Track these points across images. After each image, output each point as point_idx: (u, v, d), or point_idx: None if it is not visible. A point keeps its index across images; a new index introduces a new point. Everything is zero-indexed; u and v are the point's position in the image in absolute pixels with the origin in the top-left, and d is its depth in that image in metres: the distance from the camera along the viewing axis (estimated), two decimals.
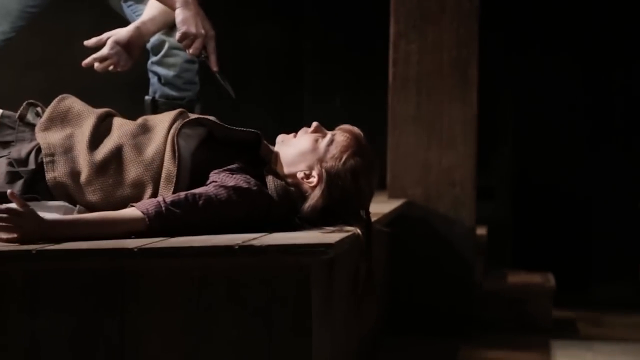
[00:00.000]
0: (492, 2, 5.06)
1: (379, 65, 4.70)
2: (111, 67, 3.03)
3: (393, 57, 4.33)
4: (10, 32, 3.22)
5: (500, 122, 5.79)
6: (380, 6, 4.60)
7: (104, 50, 3.01)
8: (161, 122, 2.64)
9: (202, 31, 2.94)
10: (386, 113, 4.36)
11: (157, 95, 3.23)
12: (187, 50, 2.98)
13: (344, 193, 2.55)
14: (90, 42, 3.03)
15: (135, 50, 3.05)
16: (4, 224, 2.21)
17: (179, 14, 2.93)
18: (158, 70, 3.21)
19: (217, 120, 2.67)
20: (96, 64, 3.03)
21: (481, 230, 4.96)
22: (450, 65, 4.27)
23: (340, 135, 2.60)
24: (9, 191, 2.28)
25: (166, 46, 3.18)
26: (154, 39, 3.17)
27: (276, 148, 2.65)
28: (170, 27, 3.16)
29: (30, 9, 3.21)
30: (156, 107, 3.22)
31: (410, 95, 4.31)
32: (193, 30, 2.93)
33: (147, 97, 3.25)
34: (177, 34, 2.95)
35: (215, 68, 2.99)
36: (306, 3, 5.81)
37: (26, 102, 2.71)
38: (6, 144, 2.65)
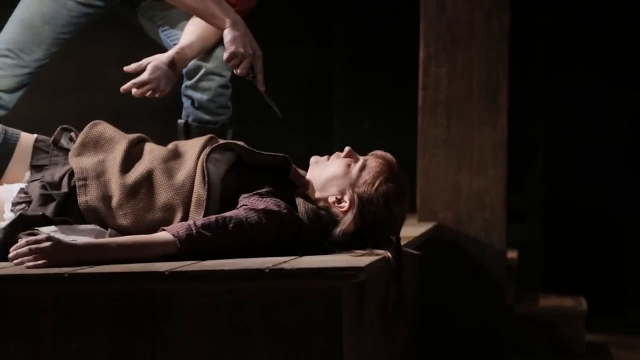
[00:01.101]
0: (523, 25, 5.06)
1: (408, 89, 4.71)
2: (149, 93, 3.06)
3: (423, 81, 4.33)
4: (44, 58, 3.25)
5: (531, 144, 5.77)
6: (410, 30, 4.61)
7: (144, 76, 3.04)
8: (191, 148, 2.66)
9: (250, 51, 2.97)
10: (416, 137, 4.36)
11: (190, 119, 3.26)
12: (234, 70, 3.01)
13: (376, 218, 2.55)
14: (130, 67, 3.06)
15: (174, 76, 3.08)
16: (28, 257, 2.24)
17: (228, 34, 2.96)
18: (192, 94, 3.24)
19: (246, 145, 2.68)
20: (134, 90, 3.05)
21: (512, 254, 4.94)
22: (480, 89, 4.27)
23: (373, 161, 2.60)
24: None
25: (202, 71, 3.21)
26: (189, 64, 3.20)
27: (309, 170, 2.66)
28: (206, 52, 3.19)
29: (63, 35, 3.25)
30: (189, 131, 3.24)
31: (440, 119, 4.32)
32: (241, 50, 2.95)
33: (180, 121, 3.28)
34: (225, 54, 2.97)
35: (262, 88, 3.01)
36: (337, 27, 5.84)
37: (60, 127, 2.74)
38: (40, 168, 2.69)
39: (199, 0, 2.96)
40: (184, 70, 3.20)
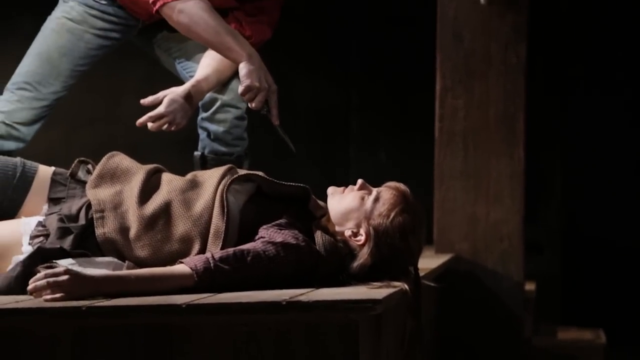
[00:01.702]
0: (540, 56, 5.06)
1: (425, 119, 4.71)
2: (165, 126, 3.07)
3: (439, 112, 4.33)
4: (61, 91, 3.27)
5: (548, 175, 5.76)
6: (426, 61, 4.62)
7: (160, 109, 3.05)
8: (210, 178, 2.66)
9: (265, 85, 2.97)
10: (432, 167, 4.36)
11: (206, 151, 3.27)
12: (249, 104, 3.01)
13: (393, 251, 2.54)
14: (146, 100, 3.07)
15: (190, 109, 3.09)
16: (46, 290, 2.24)
17: (243, 67, 2.97)
18: (208, 126, 3.25)
19: (265, 176, 2.68)
20: (150, 124, 3.06)
21: (530, 285, 4.92)
22: (497, 120, 4.27)
23: (387, 192, 2.59)
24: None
25: (217, 103, 3.22)
26: (205, 96, 3.21)
27: (327, 201, 2.66)
28: (222, 85, 3.20)
29: (80, 67, 3.27)
30: (205, 163, 3.25)
31: (457, 150, 4.31)
32: (256, 83, 2.96)
33: (196, 153, 3.29)
34: (240, 87, 2.98)
35: (276, 122, 3.02)
36: (353, 57, 5.86)
37: (77, 159, 2.75)
38: (58, 201, 2.69)
39: (215, 33, 2.97)
40: (200, 103, 3.21)
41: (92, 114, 5.56)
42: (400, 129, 5.78)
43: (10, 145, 3.23)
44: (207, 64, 3.15)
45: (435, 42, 4.35)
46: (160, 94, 3.07)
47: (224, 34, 2.97)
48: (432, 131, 4.37)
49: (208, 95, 3.20)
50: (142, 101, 3.07)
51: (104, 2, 3.20)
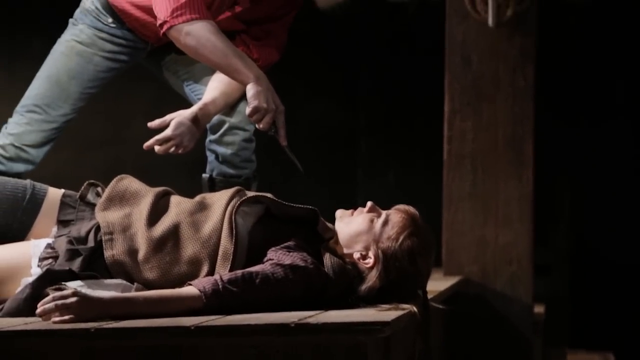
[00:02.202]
0: (548, 79, 5.06)
1: (433, 142, 4.71)
2: (173, 149, 3.07)
3: (448, 135, 4.34)
4: (70, 113, 3.28)
5: (557, 198, 5.75)
6: (434, 84, 4.63)
7: (168, 132, 3.05)
8: (219, 200, 2.66)
9: (273, 106, 2.98)
10: (441, 190, 4.36)
11: (214, 174, 3.27)
12: (257, 125, 3.02)
13: (401, 274, 2.54)
14: (153, 123, 3.08)
15: (197, 132, 3.10)
16: (55, 312, 2.24)
17: (251, 89, 2.98)
18: (216, 148, 3.25)
19: (274, 198, 2.69)
20: (157, 147, 3.07)
21: (539, 308, 4.90)
22: (505, 142, 4.27)
23: (396, 215, 2.59)
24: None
25: (225, 126, 3.23)
26: (213, 119, 3.22)
27: (335, 224, 2.66)
28: (230, 107, 3.21)
29: (89, 89, 3.28)
30: (214, 185, 3.25)
31: (465, 173, 4.31)
32: (264, 105, 2.97)
33: (204, 175, 3.29)
34: (248, 109, 2.99)
35: (284, 143, 3.02)
36: (361, 79, 5.87)
37: (87, 182, 2.76)
38: (67, 223, 2.70)
39: (223, 55, 2.98)
40: (208, 125, 3.22)
41: (101, 137, 5.57)
42: (408, 151, 5.78)
43: (20, 167, 3.24)
44: (215, 87, 3.16)
45: (444, 64, 4.36)
46: (168, 117, 3.08)
47: (231, 56, 2.98)
48: (441, 153, 4.37)
49: (216, 118, 3.20)
50: (150, 124, 3.07)
51: (113, 25, 3.21)
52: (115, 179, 2.72)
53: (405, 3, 5.71)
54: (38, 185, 2.76)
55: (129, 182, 2.71)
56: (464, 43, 4.31)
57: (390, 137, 5.81)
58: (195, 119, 3.08)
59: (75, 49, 3.23)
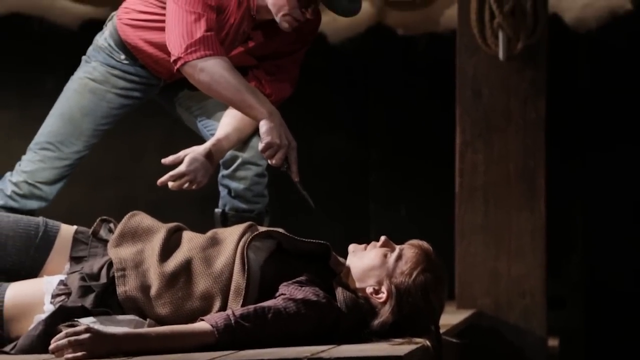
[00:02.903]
0: (559, 111, 5.07)
1: (445, 174, 4.72)
2: (186, 185, 3.08)
3: (459, 167, 4.34)
4: (83, 150, 3.30)
5: (570, 230, 5.74)
6: (446, 116, 4.64)
7: (182, 168, 3.06)
8: (231, 235, 2.67)
9: (285, 142, 2.99)
10: (453, 222, 4.36)
11: (227, 208, 3.28)
12: (269, 160, 3.03)
13: (414, 309, 2.53)
14: (167, 160, 3.09)
15: (210, 167, 3.11)
16: (68, 348, 2.24)
17: (263, 125, 2.99)
18: (229, 183, 3.26)
19: (285, 232, 2.69)
20: (171, 183, 3.08)
21: (553, 341, 4.87)
22: (517, 175, 4.28)
23: (409, 250, 2.59)
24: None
25: (238, 161, 3.24)
26: (226, 154, 3.23)
27: (347, 258, 2.65)
28: (242, 142, 3.22)
29: (102, 126, 3.30)
30: (226, 220, 3.25)
31: (477, 205, 4.31)
32: (277, 140, 2.98)
33: (217, 210, 3.30)
34: (261, 145, 3.00)
35: (296, 178, 3.03)
36: (372, 114, 5.88)
37: (100, 218, 2.76)
38: (80, 259, 2.70)
39: (236, 91, 3.00)
40: (221, 160, 3.23)
41: (114, 172, 5.59)
42: (420, 184, 5.78)
43: (33, 204, 3.26)
44: (228, 123, 3.17)
45: (455, 97, 4.37)
46: (181, 153, 3.09)
47: (244, 91, 3.00)
48: (453, 186, 4.37)
49: (229, 153, 3.22)
50: (163, 160, 3.08)
51: (126, 61, 3.24)
52: (127, 216, 2.73)
53: (416, 37, 5.74)
54: (51, 222, 2.77)
55: (141, 219, 2.72)
56: (475, 76, 4.33)
57: (402, 171, 5.82)
58: (208, 155, 3.09)
59: (88, 86, 3.25)
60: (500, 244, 4.28)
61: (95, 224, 2.75)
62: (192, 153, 3.08)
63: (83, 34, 5.07)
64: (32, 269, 2.71)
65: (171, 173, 3.06)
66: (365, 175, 5.89)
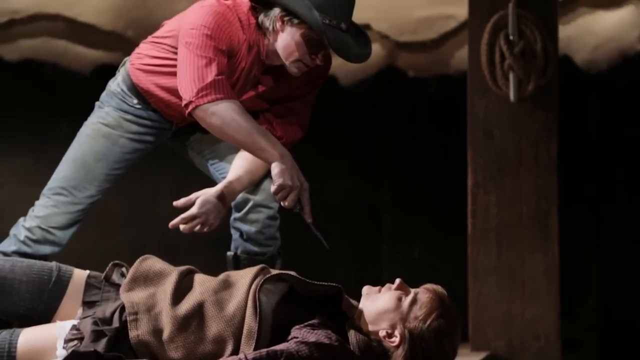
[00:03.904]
0: (571, 152, 5.07)
1: (457, 216, 4.71)
2: (198, 227, 3.09)
3: (472, 209, 4.34)
4: (97, 195, 3.31)
5: (584, 271, 5.71)
6: (457, 158, 4.64)
7: (193, 210, 3.07)
8: (243, 278, 2.67)
9: (298, 183, 3.00)
10: (466, 264, 4.34)
11: (239, 251, 3.28)
12: (282, 202, 3.04)
13: (427, 354, 2.52)
14: (179, 202, 3.10)
15: (223, 209, 3.12)
16: None
17: (275, 167, 3.00)
18: (240, 226, 3.27)
19: (297, 275, 2.69)
20: (182, 225, 3.08)
21: None
22: (530, 216, 4.27)
23: (424, 295, 2.58)
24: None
25: (250, 204, 3.25)
26: (238, 197, 3.24)
27: (361, 301, 2.65)
28: (254, 185, 3.23)
29: (115, 171, 3.31)
30: (238, 263, 3.25)
31: (490, 247, 4.30)
32: (289, 182, 2.99)
33: (229, 253, 3.30)
34: (273, 187, 3.01)
35: (309, 219, 3.03)
36: (384, 155, 5.89)
37: (112, 263, 2.77)
38: (92, 304, 2.71)
39: (247, 134, 3.02)
40: (233, 203, 3.24)
41: (126, 216, 5.60)
42: (433, 226, 5.77)
43: (46, 249, 3.26)
44: (240, 165, 3.18)
45: (466, 138, 4.37)
46: (193, 196, 3.10)
47: (256, 134, 3.01)
48: (465, 227, 4.37)
49: (240, 196, 3.22)
50: (175, 203, 3.09)
51: (138, 106, 3.26)
52: (138, 260, 2.73)
53: (427, 79, 5.76)
54: (64, 267, 2.78)
55: (152, 262, 2.73)
56: (486, 118, 4.33)
57: (414, 212, 5.81)
58: (220, 197, 3.10)
59: (101, 131, 3.27)
60: (513, 286, 4.26)
61: (108, 268, 2.76)
62: (204, 195, 3.09)
63: (96, 79, 5.10)
64: (45, 314, 2.71)
65: (183, 215, 3.07)
66: (378, 217, 5.89)
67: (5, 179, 5.45)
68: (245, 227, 3.25)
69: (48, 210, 3.26)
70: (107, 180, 3.29)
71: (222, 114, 3.01)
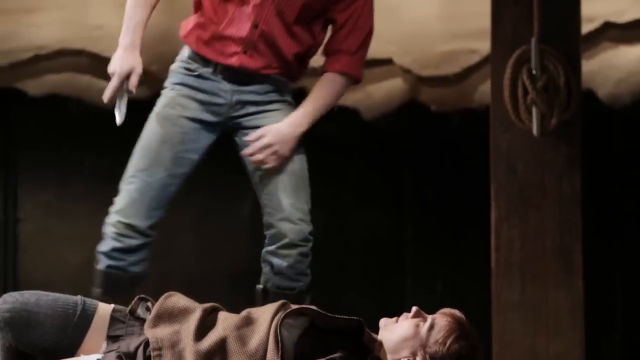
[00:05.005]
0: (595, 187, 5.05)
1: (480, 250, 4.69)
2: (273, 157, 3.11)
3: (495, 243, 4.32)
4: (169, 180, 3.25)
5: (609, 306, 5.67)
6: (481, 192, 4.63)
7: (266, 140, 3.17)
8: (264, 314, 2.67)
9: (118, 69, 3.17)
10: (489, 298, 4.32)
11: (268, 285, 3.28)
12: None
13: None
14: (251, 136, 3.18)
15: (294, 141, 3.22)
16: None
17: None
18: (272, 259, 3.28)
19: (318, 310, 2.68)
20: (257, 156, 3.16)
21: None
22: (554, 250, 4.25)
23: (442, 319, 2.58)
24: None
25: (285, 240, 3.26)
26: (272, 231, 3.25)
27: (379, 333, 2.64)
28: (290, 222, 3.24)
29: (182, 153, 3.27)
30: (267, 297, 3.26)
31: (514, 281, 4.28)
32: (116, 69, 3.18)
33: (258, 287, 3.31)
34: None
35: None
36: (406, 189, 5.89)
37: (137, 297, 2.78)
38: (116, 338, 2.71)
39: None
40: (268, 236, 3.25)
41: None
42: (456, 260, 5.75)
43: (133, 241, 3.26)
44: (314, 98, 3.24)
45: (489, 172, 4.37)
46: (260, 131, 3.16)
47: (127, 16, 3.20)
48: (489, 261, 4.35)
49: (275, 230, 3.23)
50: (246, 137, 3.18)
51: (196, 71, 3.29)
52: (163, 296, 2.74)
53: (450, 113, 5.76)
54: (89, 301, 2.79)
55: (177, 299, 2.73)
56: (509, 152, 4.33)
57: (437, 246, 5.80)
58: (292, 126, 3.15)
59: (160, 114, 3.31)
60: (537, 321, 4.23)
61: (133, 302, 2.76)
62: (276, 127, 3.15)
63: None
64: (69, 348, 2.71)
65: (256, 144, 3.12)
66: (401, 251, 5.87)
67: (29, 213, 5.47)
68: (277, 261, 3.26)
69: (124, 201, 3.27)
70: (178, 164, 3.29)
71: None
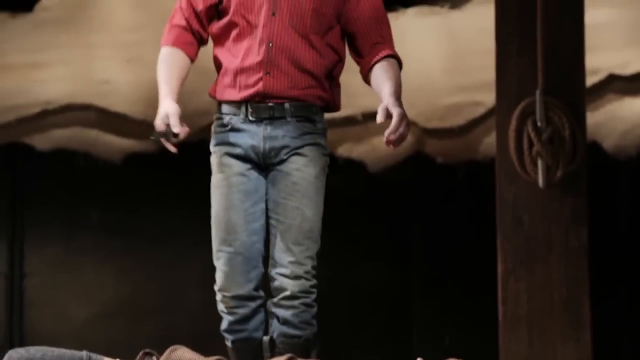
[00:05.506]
0: (602, 239, 5.04)
1: (488, 303, 4.67)
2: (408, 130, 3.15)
3: (502, 296, 4.30)
4: (249, 239, 3.23)
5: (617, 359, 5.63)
6: (487, 244, 4.62)
7: (398, 124, 3.12)
8: None
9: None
10: (497, 352, 4.30)
11: (275, 335, 3.27)
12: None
13: None
14: (380, 119, 3.14)
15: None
16: None
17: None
18: (277, 311, 3.26)
19: None
20: (392, 138, 3.12)
21: None
22: (561, 303, 4.23)
23: None
24: None
25: (286, 293, 3.25)
26: (276, 283, 3.24)
27: None
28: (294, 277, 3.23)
29: (250, 209, 3.26)
30: (274, 347, 3.24)
31: (521, 334, 4.25)
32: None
33: (265, 338, 3.28)
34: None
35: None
36: (413, 242, 5.88)
37: (143, 351, 2.77)
38: None
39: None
40: (273, 287, 3.24)
41: (155, 304, 5.60)
42: (463, 313, 5.73)
43: (244, 310, 3.24)
44: (384, 78, 3.25)
45: (495, 224, 4.36)
46: (382, 112, 3.14)
47: (160, 81, 3.20)
48: (496, 314, 4.33)
49: (278, 282, 3.22)
50: (379, 121, 3.14)
51: (225, 115, 3.29)
52: (168, 350, 2.73)
53: (455, 165, 5.77)
54: (94, 356, 2.77)
55: (182, 353, 2.72)
56: (515, 204, 4.33)
57: (444, 300, 5.77)
58: (400, 105, 3.17)
59: (214, 183, 3.29)
60: None
61: (138, 356, 2.75)
62: (394, 108, 3.14)
63: (126, 168, 5.14)
64: None
65: (391, 130, 3.11)
66: (408, 304, 5.85)
67: (35, 268, 5.47)
68: (281, 312, 3.25)
69: (219, 276, 3.25)
70: (250, 221, 3.26)
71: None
